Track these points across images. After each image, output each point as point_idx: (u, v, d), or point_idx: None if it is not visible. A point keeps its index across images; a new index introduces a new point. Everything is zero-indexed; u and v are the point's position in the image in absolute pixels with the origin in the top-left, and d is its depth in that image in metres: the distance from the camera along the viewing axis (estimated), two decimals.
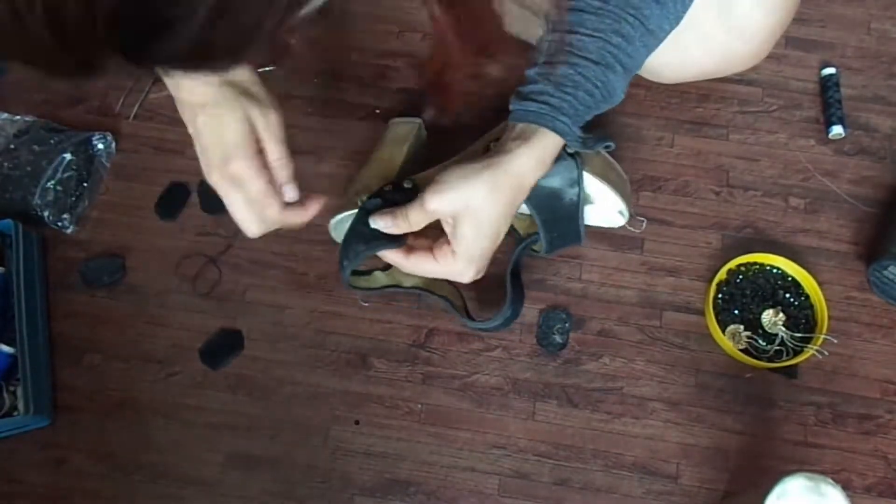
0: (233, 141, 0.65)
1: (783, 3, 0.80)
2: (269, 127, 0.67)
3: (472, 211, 0.66)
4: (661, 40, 0.72)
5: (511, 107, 0.70)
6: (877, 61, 1.00)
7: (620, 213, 0.83)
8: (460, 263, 0.68)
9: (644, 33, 0.68)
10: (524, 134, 0.68)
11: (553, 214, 0.77)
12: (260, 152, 0.66)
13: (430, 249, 0.70)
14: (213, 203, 0.86)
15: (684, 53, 0.85)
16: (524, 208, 0.74)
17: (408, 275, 0.80)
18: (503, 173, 0.66)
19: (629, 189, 0.84)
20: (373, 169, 0.82)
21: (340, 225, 0.81)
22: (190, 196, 0.90)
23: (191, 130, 0.67)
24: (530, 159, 0.67)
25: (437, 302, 0.81)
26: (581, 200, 0.77)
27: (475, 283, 0.71)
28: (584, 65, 0.68)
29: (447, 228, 0.68)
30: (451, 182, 0.66)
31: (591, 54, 0.68)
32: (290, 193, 0.69)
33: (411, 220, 0.69)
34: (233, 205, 0.67)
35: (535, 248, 0.83)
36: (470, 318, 0.81)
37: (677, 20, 0.71)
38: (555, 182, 0.75)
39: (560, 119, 0.68)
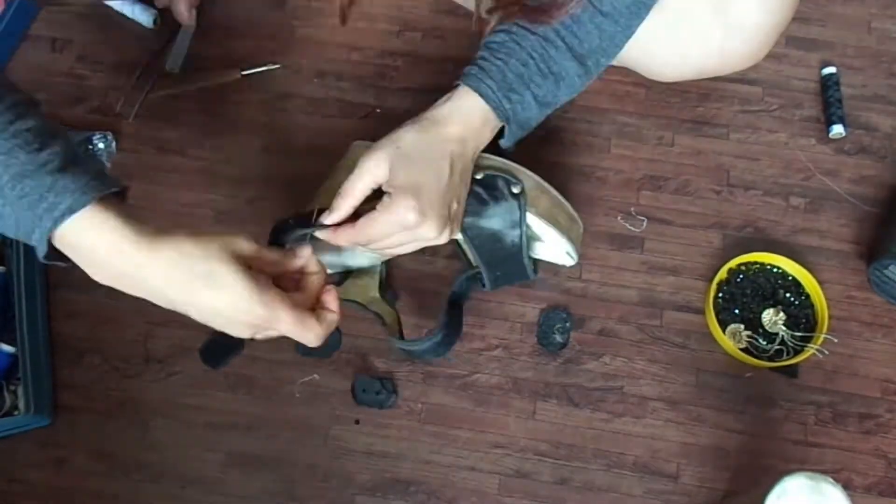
0: (242, 306, 0.57)
1: (782, 2, 0.80)
2: (260, 252, 0.60)
3: (403, 153, 0.65)
4: (623, 27, 0.72)
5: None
6: (877, 60, 1.00)
7: (568, 254, 0.80)
8: (406, 210, 0.63)
9: (595, 14, 0.69)
10: (454, 93, 0.70)
11: (494, 256, 0.76)
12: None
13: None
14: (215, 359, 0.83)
15: (683, 52, 0.85)
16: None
17: (347, 288, 0.80)
18: (424, 119, 0.68)
19: (580, 230, 0.81)
20: (323, 199, 0.70)
21: None
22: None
23: (183, 309, 0.58)
24: (452, 112, 0.69)
25: (372, 318, 0.79)
26: (523, 242, 0.75)
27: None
28: (521, 34, 0.70)
29: (388, 192, 0.65)
30: (379, 142, 0.67)
31: (529, 25, 0.69)
32: (333, 303, 0.63)
33: (350, 190, 0.65)
34: (283, 332, 0.60)
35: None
36: (401, 337, 0.77)
37: (642, 5, 0.72)
38: (495, 223, 0.73)
39: (485, 82, 0.69)
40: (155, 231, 0.56)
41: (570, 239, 0.78)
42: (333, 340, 0.80)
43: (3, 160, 0.52)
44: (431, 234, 0.66)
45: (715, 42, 0.83)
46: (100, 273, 0.57)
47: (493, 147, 0.74)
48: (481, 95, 0.69)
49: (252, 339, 0.60)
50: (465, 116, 0.69)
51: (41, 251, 0.55)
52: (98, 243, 0.55)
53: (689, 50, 0.85)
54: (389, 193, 0.64)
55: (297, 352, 0.81)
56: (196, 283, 0.56)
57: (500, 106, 0.70)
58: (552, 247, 0.80)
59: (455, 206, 0.68)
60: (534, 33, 0.69)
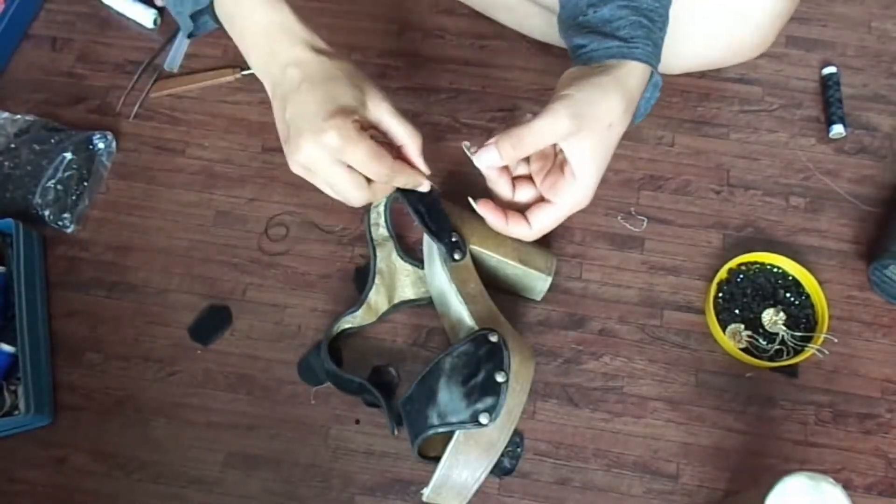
0: (343, 101, 0.58)
1: None
2: (384, 101, 0.60)
3: (597, 119, 0.60)
4: None
5: (588, 44, 0.65)
6: (877, 60, 1.00)
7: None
8: (585, 187, 0.62)
9: None
10: (622, 68, 0.62)
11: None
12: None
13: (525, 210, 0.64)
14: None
15: (688, 42, 0.85)
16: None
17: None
18: (621, 86, 0.62)
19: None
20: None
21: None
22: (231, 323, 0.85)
23: (276, 90, 0.60)
24: (619, 85, 0.62)
25: (373, 401, 0.79)
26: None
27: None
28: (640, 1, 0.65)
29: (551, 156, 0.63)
30: (574, 93, 0.60)
31: None
32: (424, 168, 0.63)
33: (528, 140, 0.60)
34: (335, 180, 0.59)
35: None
36: (398, 425, 0.77)
37: None
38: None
39: (640, 48, 0.63)
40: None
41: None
42: (323, 375, 0.81)
43: None
44: (588, 201, 0.63)
45: (722, 31, 0.83)
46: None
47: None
48: (644, 63, 0.63)
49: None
50: (634, 91, 0.63)
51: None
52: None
53: (695, 40, 0.84)
54: (560, 175, 0.63)
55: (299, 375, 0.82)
56: (327, 85, 0.59)
57: (656, 70, 0.66)
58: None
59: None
60: None
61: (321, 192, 0.62)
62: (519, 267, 0.79)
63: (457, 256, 0.76)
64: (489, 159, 0.62)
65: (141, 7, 1.01)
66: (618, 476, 0.78)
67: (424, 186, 0.66)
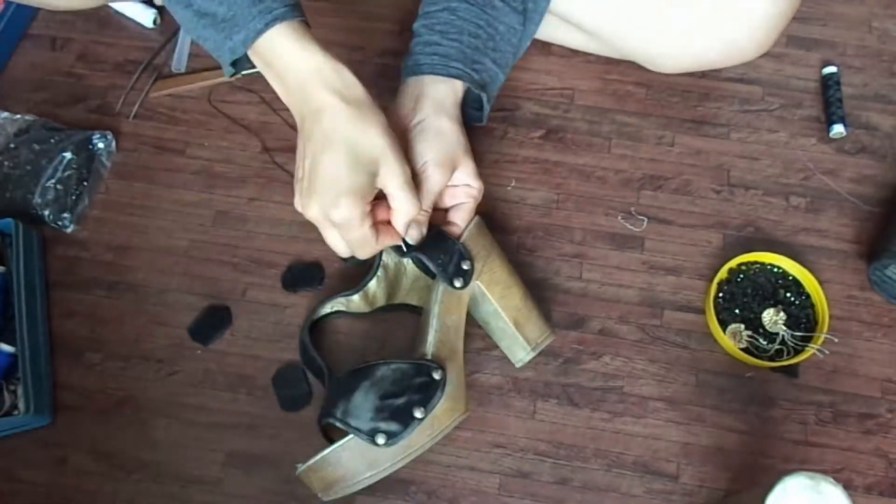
0: (357, 181, 0.63)
1: None
2: (399, 174, 0.66)
3: (459, 155, 0.75)
4: None
5: (404, 63, 0.79)
6: (878, 60, 1.00)
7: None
8: (479, 183, 0.77)
9: None
10: (422, 84, 0.76)
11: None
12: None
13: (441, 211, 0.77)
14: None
15: (686, 42, 0.84)
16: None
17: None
18: (417, 125, 0.75)
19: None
20: None
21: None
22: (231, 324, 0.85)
23: (303, 130, 0.66)
24: (426, 102, 0.75)
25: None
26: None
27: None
28: (461, 7, 0.76)
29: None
30: (433, 158, 0.73)
31: None
32: (414, 234, 0.72)
33: (429, 200, 0.73)
34: (328, 238, 0.67)
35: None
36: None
37: None
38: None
39: (451, 65, 0.76)
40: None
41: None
42: (303, 399, 0.80)
43: None
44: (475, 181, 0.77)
45: (719, 31, 0.82)
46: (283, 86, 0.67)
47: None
48: (454, 77, 0.76)
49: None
50: (441, 102, 0.76)
51: (239, 51, 0.65)
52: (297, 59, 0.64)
53: (693, 40, 0.84)
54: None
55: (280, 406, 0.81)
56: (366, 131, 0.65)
57: (473, 79, 0.77)
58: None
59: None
60: (472, 4, 0.76)
61: None
62: (509, 327, 0.77)
63: (457, 284, 0.74)
64: (414, 234, 0.72)
65: (141, 7, 1.01)
66: (618, 476, 0.78)
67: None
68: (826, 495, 0.60)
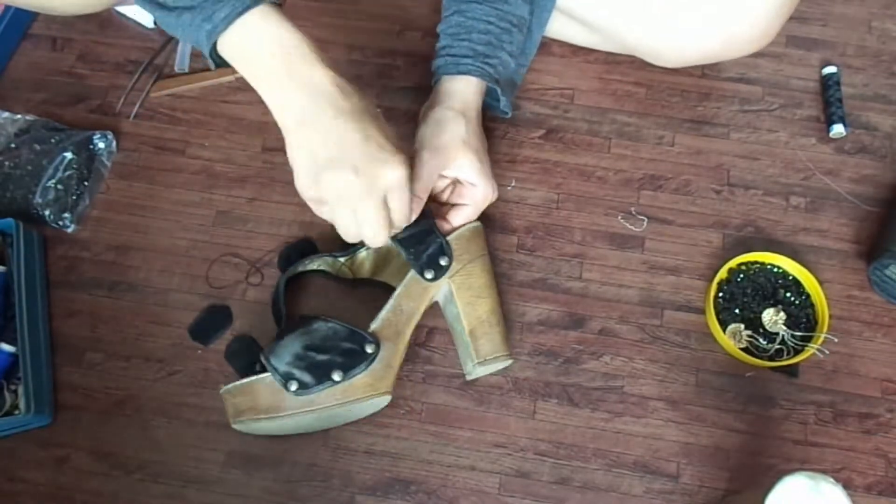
0: (396, 141, 0.66)
1: None
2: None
3: (459, 146, 0.77)
4: None
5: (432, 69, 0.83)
6: (878, 60, 1.00)
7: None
8: (484, 186, 0.78)
9: None
10: (440, 86, 0.81)
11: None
12: None
13: (447, 206, 0.80)
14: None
15: (687, 35, 0.84)
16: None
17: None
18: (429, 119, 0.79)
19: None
20: None
21: None
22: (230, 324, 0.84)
23: (294, 139, 0.64)
24: (449, 98, 0.79)
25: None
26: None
27: None
28: (469, 8, 0.80)
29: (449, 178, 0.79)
30: (427, 146, 0.76)
31: None
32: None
33: (422, 185, 0.74)
34: (340, 220, 0.67)
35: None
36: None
37: None
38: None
39: (462, 63, 0.79)
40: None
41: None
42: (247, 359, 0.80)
43: None
44: (494, 193, 0.80)
45: (722, 24, 0.82)
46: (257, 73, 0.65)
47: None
48: (465, 74, 0.79)
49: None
50: (449, 96, 0.79)
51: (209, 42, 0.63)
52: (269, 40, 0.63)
53: (694, 33, 0.84)
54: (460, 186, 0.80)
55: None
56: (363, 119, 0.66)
57: (485, 72, 0.80)
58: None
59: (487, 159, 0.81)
60: (481, 1, 0.80)
61: None
62: (465, 334, 0.77)
63: (427, 276, 0.75)
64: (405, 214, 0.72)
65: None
66: (618, 476, 0.78)
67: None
68: (826, 495, 0.60)
